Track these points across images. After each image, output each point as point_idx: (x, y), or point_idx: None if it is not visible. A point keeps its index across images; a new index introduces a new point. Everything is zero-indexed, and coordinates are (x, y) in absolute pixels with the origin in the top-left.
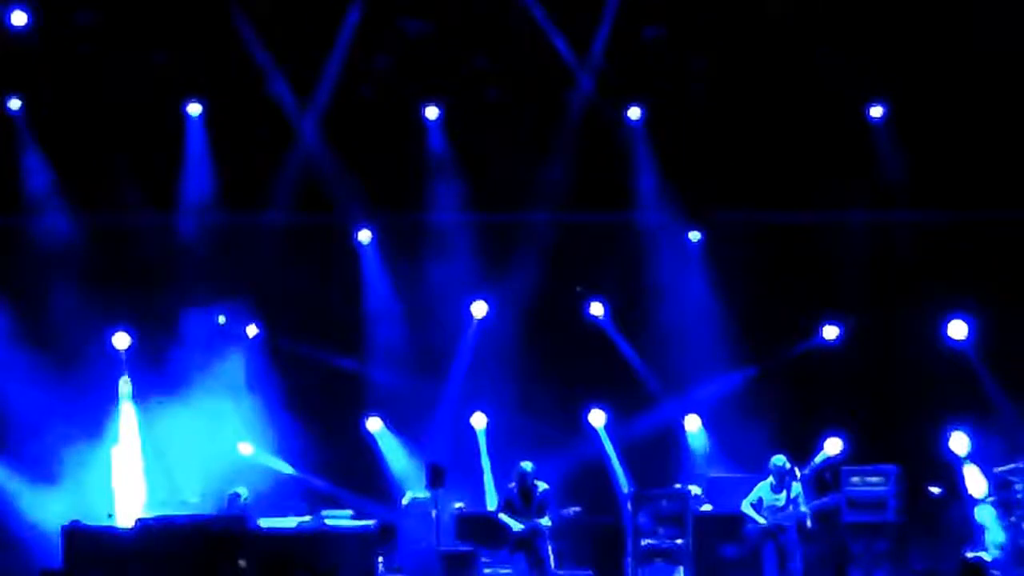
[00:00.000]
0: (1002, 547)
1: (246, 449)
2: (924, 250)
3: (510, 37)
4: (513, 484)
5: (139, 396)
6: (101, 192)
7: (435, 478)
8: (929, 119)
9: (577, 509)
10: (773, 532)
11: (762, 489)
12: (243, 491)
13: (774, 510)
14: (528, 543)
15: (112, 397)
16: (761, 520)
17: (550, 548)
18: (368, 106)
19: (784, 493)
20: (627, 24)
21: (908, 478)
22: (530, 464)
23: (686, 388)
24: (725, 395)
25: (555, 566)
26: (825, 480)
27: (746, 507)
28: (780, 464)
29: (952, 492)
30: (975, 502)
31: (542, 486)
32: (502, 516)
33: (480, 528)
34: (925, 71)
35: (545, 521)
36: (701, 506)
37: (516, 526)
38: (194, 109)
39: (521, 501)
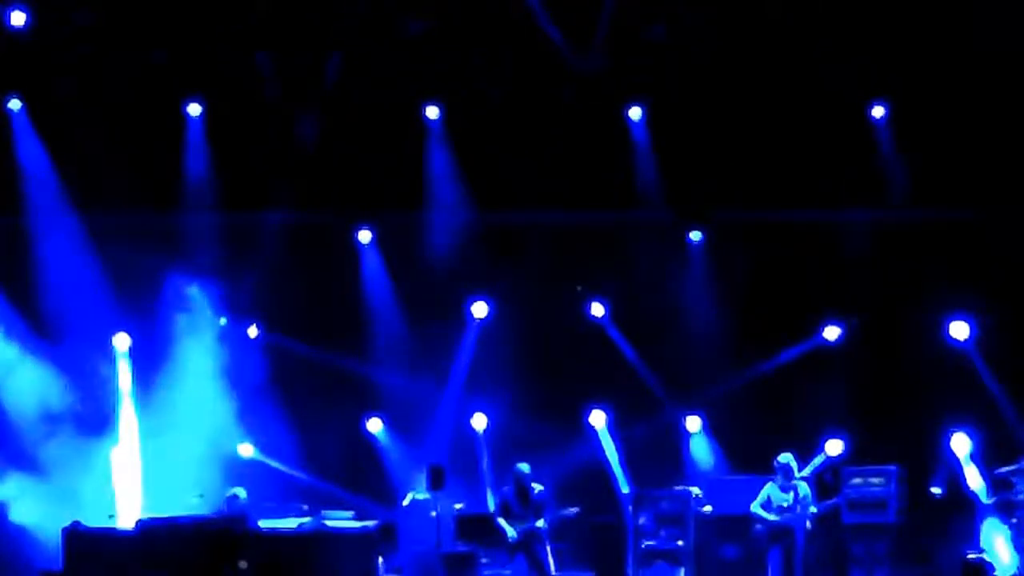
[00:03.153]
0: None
1: (246, 450)
2: (925, 250)
3: (510, 36)
4: (509, 487)
5: (140, 394)
6: (101, 192)
7: (436, 479)
8: (930, 119)
9: (576, 510)
10: (780, 534)
11: (770, 489)
12: (241, 492)
13: (781, 510)
14: (526, 546)
15: (112, 398)
16: (773, 517)
17: (549, 550)
18: (368, 106)
19: (792, 493)
20: (627, 23)
21: (909, 479)
22: (527, 466)
23: (687, 388)
24: (726, 395)
25: (555, 567)
26: (826, 481)
27: (756, 508)
28: (786, 462)
29: (953, 493)
30: (981, 509)
31: (538, 488)
32: (500, 521)
33: (480, 529)
34: (926, 71)
35: (540, 523)
36: (702, 507)
37: (511, 532)
38: (194, 109)
39: (518, 503)
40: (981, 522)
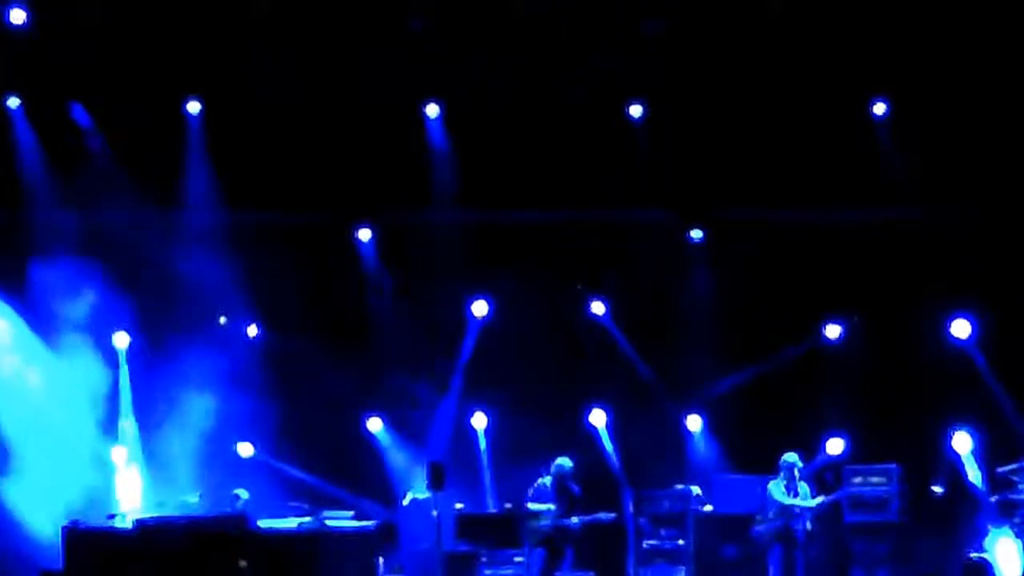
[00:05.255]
0: None
1: (246, 450)
2: (927, 248)
3: (511, 36)
4: (549, 479)
5: (140, 395)
6: (101, 192)
7: (436, 478)
8: (930, 118)
9: (613, 515)
10: (782, 534)
11: (776, 487)
12: (243, 493)
13: (785, 509)
14: (553, 542)
15: (112, 397)
16: (810, 503)
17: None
18: (368, 106)
19: (793, 493)
20: (627, 21)
21: (911, 477)
22: (568, 461)
23: (688, 388)
24: (727, 395)
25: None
26: (826, 480)
27: (786, 500)
28: (792, 461)
29: (955, 491)
30: (982, 508)
31: (575, 486)
32: (531, 505)
33: (481, 528)
34: (926, 70)
35: (574, 520)
36: (703, 506)
37: (546, 507)
38: (194, 108)
39: (555, 498)
40: (982, 521)
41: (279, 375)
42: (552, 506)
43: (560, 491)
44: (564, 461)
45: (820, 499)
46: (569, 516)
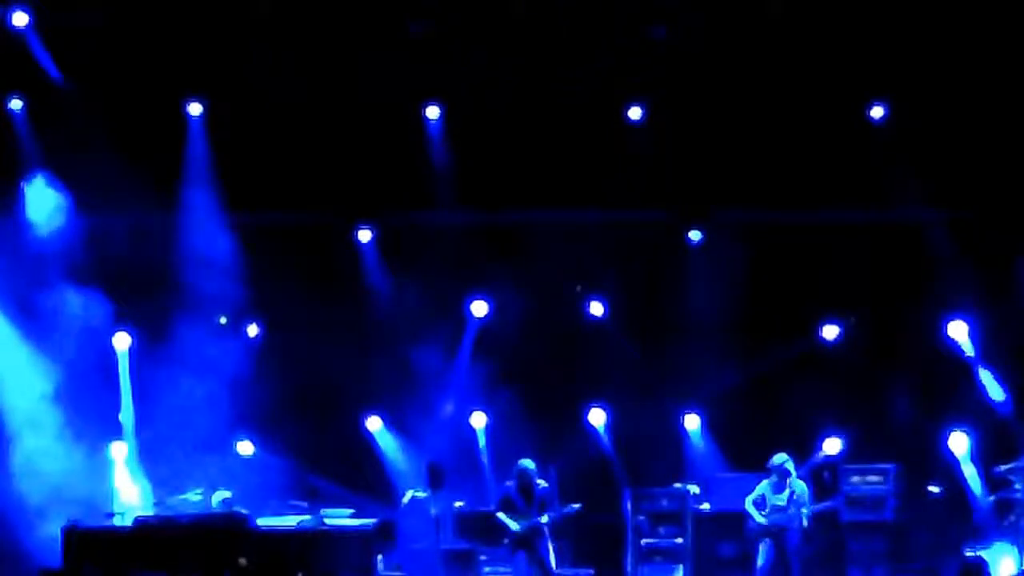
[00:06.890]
0: None
1: (245, 447)
2: (924, 249)
3: (511, 35)
4: (512, 482)
5: (140, 394)
6: (101, 192)
7: (435, 478)
8: (930, 119)
9: (578, 506)
10: (774, 531)
11: (764, 488)
12: (224, 493)
13: (776, 509)
14: (528, 542)
15: (112, 397)
16: (761, 519)
17: (550, 546)
18: (368, 106)
19: (786, 492)
20: (627, 23)
21: (907, 477)
22: (531, 462)
23: (686, 387)
24: (725, 394)
25: (556, 564)
26: (823, 480)
27: (748, 505)
28: (781, 463)
29: (951, 491)
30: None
31: (541, 484)
32: (500, 515)
33: (480, 527)
34: (926, 71)
35: (544, 519)
36: (700, 505)
37: (514, 525)
38: (194, 109)
39: (521, 499)
40: (979, 521)
41: (279, 375)
42: (517, 525)
43: (525, 493)
44: (526, 462)
45: (806, 510)
46: (538, 515)
